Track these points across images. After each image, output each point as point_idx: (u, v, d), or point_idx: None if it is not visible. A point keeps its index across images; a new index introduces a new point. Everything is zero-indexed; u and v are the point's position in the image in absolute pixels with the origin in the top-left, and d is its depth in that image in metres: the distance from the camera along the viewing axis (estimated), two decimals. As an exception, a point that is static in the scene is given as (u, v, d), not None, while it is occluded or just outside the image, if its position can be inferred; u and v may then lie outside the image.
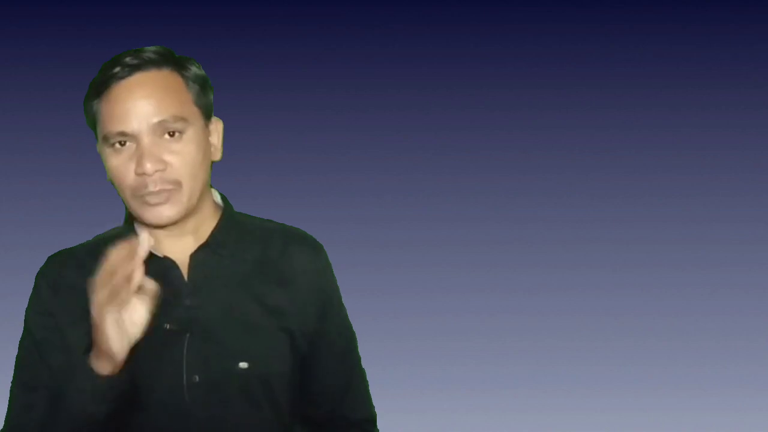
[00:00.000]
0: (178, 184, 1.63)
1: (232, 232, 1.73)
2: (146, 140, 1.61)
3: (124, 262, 1.45)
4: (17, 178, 2.80)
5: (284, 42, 2.92)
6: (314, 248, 1.77)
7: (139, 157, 1.60)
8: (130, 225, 1.74)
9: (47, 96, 2.81)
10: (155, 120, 1.61)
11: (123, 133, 1.61)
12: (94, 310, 1.48)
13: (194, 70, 1.68)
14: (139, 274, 1.45)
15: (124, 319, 1.48)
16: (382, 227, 2.88)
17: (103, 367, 1.51)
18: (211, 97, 1.71)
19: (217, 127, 1.71)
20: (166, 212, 1.63)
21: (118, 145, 1.62)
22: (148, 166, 1.60)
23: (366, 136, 2.92)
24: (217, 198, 1.77)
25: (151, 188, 1.61)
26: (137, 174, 1.61)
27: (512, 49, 2.95)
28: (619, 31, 2.95)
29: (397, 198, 2.92)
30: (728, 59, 2.95)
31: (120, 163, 1.62)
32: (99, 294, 1.46)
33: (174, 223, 1.66)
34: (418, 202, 2.92)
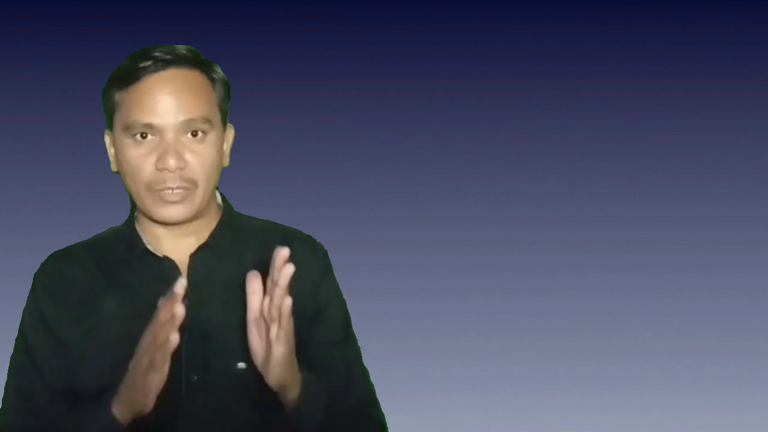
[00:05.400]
0: (194, 183, 1.64)
1: (232, 233, 1.74)
2: (171, 136, 1.62)
3: (164, 326, 1.44)
4: (17, 178, 2.81)
5: (284, 42, 2.92)
6: (313, 246, 1.78)
7: (163, 152, 1.61)
8: (130, 223, 1.74)
9: (47, 96, 2.81)
10: (183, 118, 1.62)
11: (149, 125, 1.61)
12: (138, 371, 1.48)
13: (221, 74, 1.69)
14: (175, 338, 1.44)
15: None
16: (382, 227, 2.88)
17: (125, 416, 1.54)
18: (229, 103, 1.72)
19: (229, 134, 1.73)
20: (177, 212, 1.64)
21: (139, 137, 1.62)
22: (171, 162, 1.61)
23: (366, 136, 2.93)
24: (219, 199, 1.78)
25: (170, 184, 1.62)
26: (158, 168, 1.62)
27: (512, 49, 2.95)
28: (619, 31, 2.95)
29: (397, 198, 2.92)
30: (728, 59, 2.95)
31: (139, 155, 1.63)
32: (144, 359, 1.47)
33: (181, 223, 1.67)
34: (418, 202, 2.92)
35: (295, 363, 1.56)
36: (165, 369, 1.47)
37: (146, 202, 1.65)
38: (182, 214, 1.65)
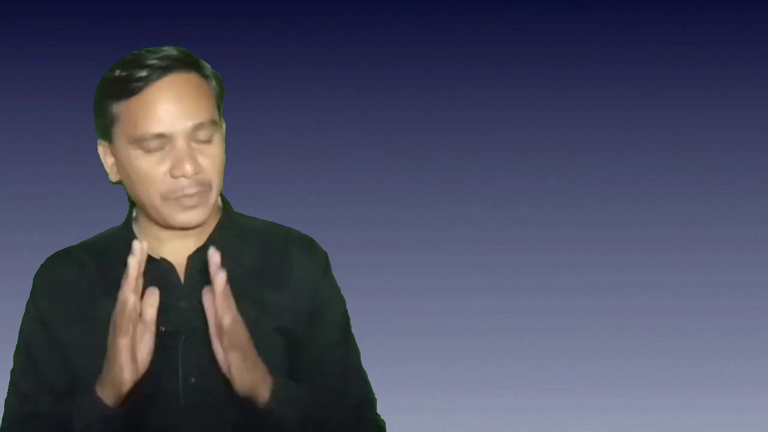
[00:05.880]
0: (209, 186, 1.64)
1: (231, 234, 1.73)
2: (182, 142, 1.60)
3: (125, 288, 1.49)
4: (17, 178, 2.81)
5: (284, 42, 2.92)
6: (312, 247, 1.77)
7: (177, 160, 1.60)
8: (128, 225, 1.73)
9: (47, 96, 2.81)
10: (192, 123, 1.61)
11: (161, 135, 1.60)
12: (110, 341, 1.52)
13: (211, 70, 1.68)
14: (132, 299, 1.50)
15: (136, 349, 1.53)
16: (382, 227, 2.88)
17: (107, 397, 1.55)
18: (223, 96, 1.72)
19: (222, 127, 1.72)
20: (196, 216, 1.64)
21: (151, 147, 1.61)
22: (188, 168, 1.60)
23: (366, 136, 2.93)
24: (219, 200, 1.77)
25: (188, 191, 1.62)
26: (174, 176, 1.61)
27: (512, 49, 2.95)
28: (619, 31, 2.95)
29: (397, 198, 2.92)
30: (728, 59, 2.95)
31: (150, 165, 1.61)
32: (115, 325, 1.50)
33: (197, 227, 1.68)
34: (418, 202, 2.92)
35: (262, 368, 1.59)
36: (138, 334, 1.52)
37: (163, 211, 1.64)
38: (200, 217, 1.65)
